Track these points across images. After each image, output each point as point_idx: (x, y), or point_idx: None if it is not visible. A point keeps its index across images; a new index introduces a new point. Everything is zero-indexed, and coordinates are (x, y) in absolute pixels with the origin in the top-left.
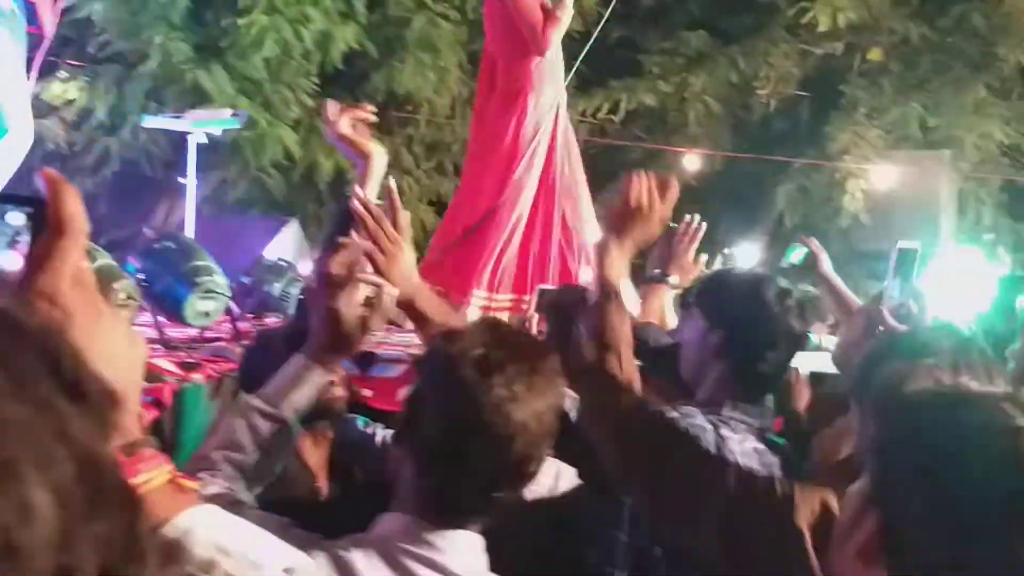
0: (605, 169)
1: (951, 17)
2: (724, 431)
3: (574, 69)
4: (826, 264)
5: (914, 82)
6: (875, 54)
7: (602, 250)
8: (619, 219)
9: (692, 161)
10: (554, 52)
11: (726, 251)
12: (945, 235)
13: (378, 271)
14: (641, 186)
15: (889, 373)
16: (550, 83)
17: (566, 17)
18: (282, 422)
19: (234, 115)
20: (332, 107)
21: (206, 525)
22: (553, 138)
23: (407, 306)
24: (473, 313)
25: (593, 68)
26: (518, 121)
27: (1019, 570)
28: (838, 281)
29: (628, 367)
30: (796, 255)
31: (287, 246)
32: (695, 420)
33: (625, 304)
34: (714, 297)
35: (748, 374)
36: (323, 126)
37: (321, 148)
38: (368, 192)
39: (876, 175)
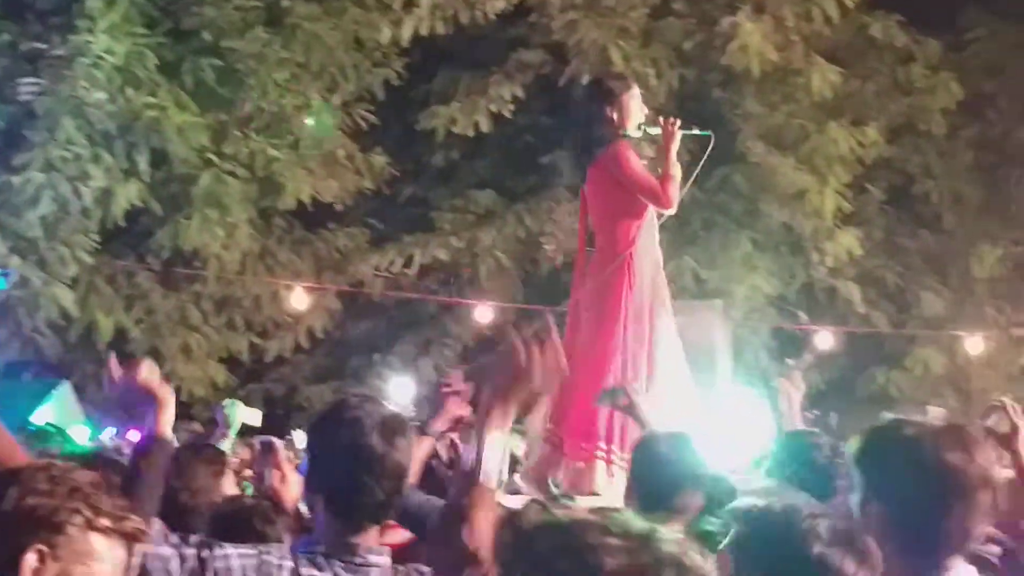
0: (401, 321)
1: (716, 177)
2: None
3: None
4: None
5: (686, 238)
6: None
7: (486, 414)
8: (503, 382)
9: (484, 313)
10: (652, 214)
11: None
12: (722, 378)
13: None
14: (521, 348)
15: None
16: (651, 242)
17: (677, 173)
18: None
19: (2, 274)
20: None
21: None
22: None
23: None
24: (600, 468)
25: (387, 224)
26: (629, 284)
27: None
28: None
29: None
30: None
31: (57, 409)
32: None
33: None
34: None
35: None
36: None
37: (100, 306)
38: (166, 432)
39: None
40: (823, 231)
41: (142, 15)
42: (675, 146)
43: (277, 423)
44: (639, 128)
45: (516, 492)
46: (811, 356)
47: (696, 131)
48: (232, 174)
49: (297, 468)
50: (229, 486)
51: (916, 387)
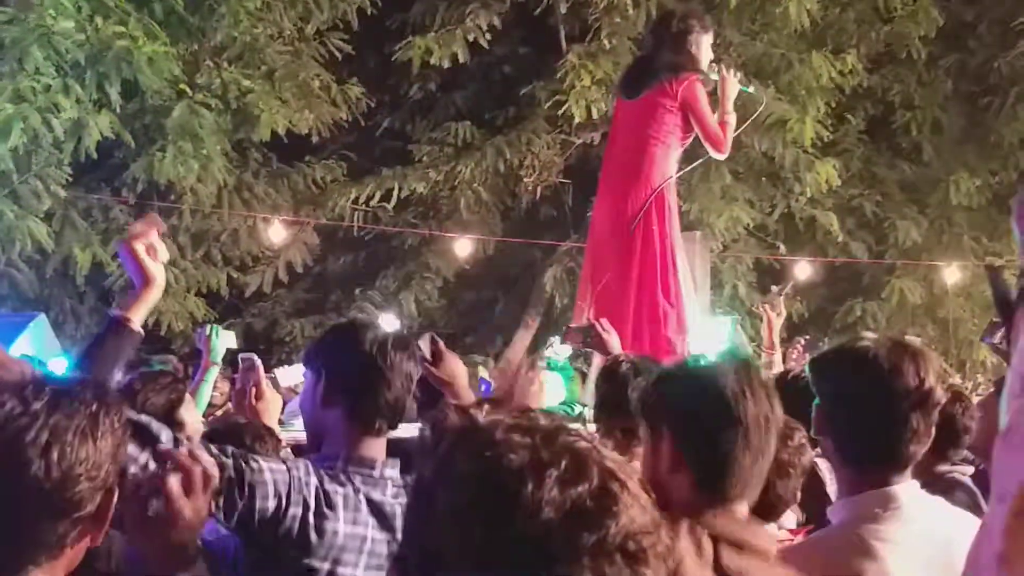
0: (382, 255)
1: None
2: None
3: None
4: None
5: None
6: None
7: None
8: None
9: (464, 246)
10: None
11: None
12: (702, 310)
13: None
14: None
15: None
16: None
17: (733, 120)
18: None
19: None
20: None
21: None
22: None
23: None
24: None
25: (364, 157)
26: (663, 213)
27: None
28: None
29: None
30: None
31: (33, 343)
32: None
33: None
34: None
35: None
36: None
37: (77, 240)
38: (135, 318)
39: None
40: (803, 161)
41: None
42: (733, 94)
43: (259, 357)
44: (709, 69)
45: None
46: (790, 285)
47: (751, 89)
48: (206, 105)
49: (285, 405)
50: (189, 414)
51: (894, 317)
